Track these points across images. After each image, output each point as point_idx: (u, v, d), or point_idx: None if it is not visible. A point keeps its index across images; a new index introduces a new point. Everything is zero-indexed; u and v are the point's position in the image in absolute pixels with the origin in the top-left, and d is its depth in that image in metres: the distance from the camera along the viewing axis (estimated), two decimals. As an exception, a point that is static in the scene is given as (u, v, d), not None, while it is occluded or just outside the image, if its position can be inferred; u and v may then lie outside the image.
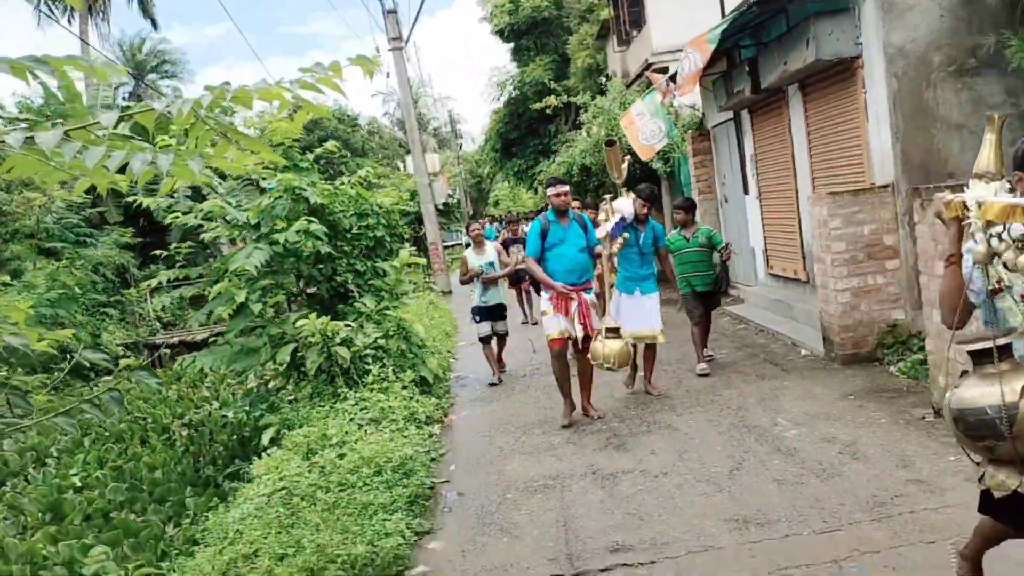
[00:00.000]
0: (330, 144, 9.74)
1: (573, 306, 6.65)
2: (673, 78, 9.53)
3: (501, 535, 4.72)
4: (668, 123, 10.11)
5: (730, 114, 11.87)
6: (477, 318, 9.45)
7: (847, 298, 7.51)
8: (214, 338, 12.96)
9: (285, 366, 8.01)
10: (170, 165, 2.68)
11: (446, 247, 24.97)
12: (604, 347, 6.54)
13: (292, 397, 8.13)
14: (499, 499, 5.30)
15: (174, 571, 4.88)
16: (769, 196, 10.98)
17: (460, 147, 50.40)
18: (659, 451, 5.80)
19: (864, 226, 7.45)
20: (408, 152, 21.49)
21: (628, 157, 7.72)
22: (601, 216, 7.38)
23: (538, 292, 7.29)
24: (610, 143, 7.34)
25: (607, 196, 8.47)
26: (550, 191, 6.76)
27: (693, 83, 8.23)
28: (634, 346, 7.20)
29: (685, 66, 8.01)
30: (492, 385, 8.99)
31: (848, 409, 6.13)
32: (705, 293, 8.10)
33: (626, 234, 7.05)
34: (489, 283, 9.47)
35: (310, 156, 9.10)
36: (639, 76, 18.10)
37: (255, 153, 3.14)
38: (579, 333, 6.66)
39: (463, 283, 9.73)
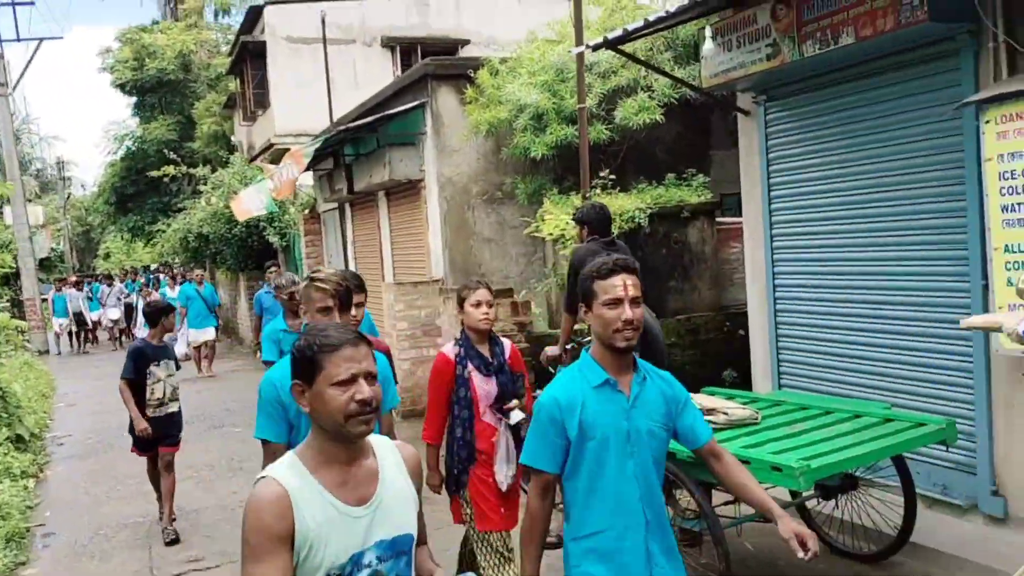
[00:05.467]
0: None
1: None
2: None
3: (92, 560, 5.69)
4: (269, 201, 11.50)
5: (336, 204, 13.71)
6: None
7: (408, 366, 9.50)
8: None
9: None
10: None
11: (43, 300, 23.45)
12: None
13: None
14: (92, 535, 6.22)
15: None
16: (366, 278, 12.90)
17: (68, 196, 46.63)
18: (239, 489, 7.10)
19: (421, 310, 9.57)
20: (7, 201, 20.17)
21: None
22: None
23: None
24: None
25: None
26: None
27: (290, 190, 9.87)
28: None
29: (284, 173, 9.61)
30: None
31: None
32: None
33: None
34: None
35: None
36: (262, 153, 19.41)
37: None
38: None
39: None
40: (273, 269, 10.38)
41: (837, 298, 5.64)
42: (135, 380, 5.93)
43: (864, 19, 4.68)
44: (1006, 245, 4.26)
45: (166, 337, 6.35)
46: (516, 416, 3.95)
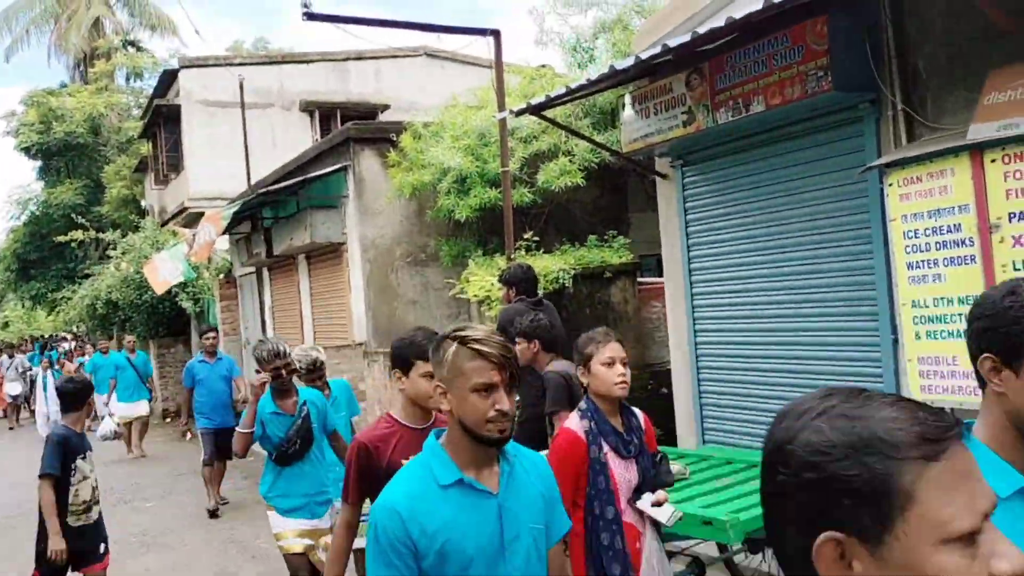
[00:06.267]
0: None
1: None
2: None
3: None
4: (187, 267, 11.30)
5: (253, 268, 13.46)
6: None
7: (330, 433, 9.28)
8: None
9: None
10: None
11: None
12: None
13: None
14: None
15: None
16: (286, 343, 12.64)
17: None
18: (153, 566, 6.75)
19: (345, 374, 9.36)
20: None
21: None
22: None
23: None
24: None
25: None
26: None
27: (207, 252, 9.69)
28: None
29: (202, 236, 9.44)
30: None
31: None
32: None
33: None
34: None
35: None
36: (175, 217, 18.98)
37: None
38: None
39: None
40: (212, 336, 9.37)
41: (757, 354, 5.81)
42: (59, 478, 4.67)
43: (773, 89, 4.95)
44: (913, 301, 4.49)
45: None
46: (667, 513, 3.15)
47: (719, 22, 4.29)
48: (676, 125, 5.70)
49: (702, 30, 4.45)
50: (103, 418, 12.35)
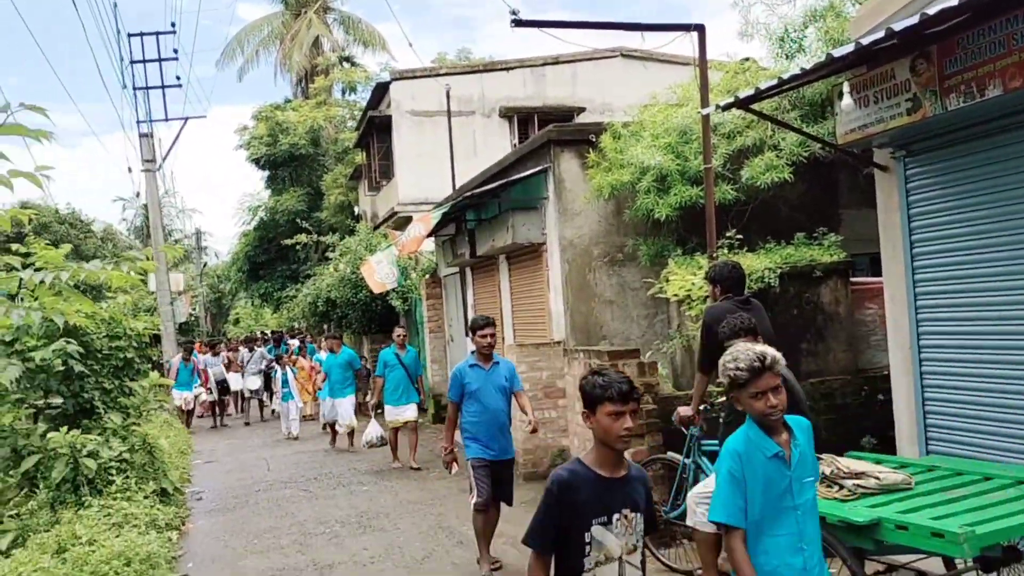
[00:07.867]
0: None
1: None
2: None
3: (235, 610, 5.89)
4: (400, 272, 12.01)
5: (457, 268, 14.07)
6: None
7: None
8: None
9: (20, 477, 8.44)
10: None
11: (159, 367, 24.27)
12: None
13: (19, 509, 8.46)
14: (233, 586, 6.45)
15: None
16: (484, 340, 13.12)
17: (205, 264, 49.59)
18: (370, 546, 7.24)
19: (543, 372, 9.62)
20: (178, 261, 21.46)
21: None
22: None
23: None
24: None
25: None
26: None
27: (415, 247, 10.28)
28: None
29: (411, 232, 10.01)
30: None
31: (518, 512, 7.95)
32: None
33: None
34: None
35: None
36: (385, 221, 20.21)
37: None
38: None
39: None
40: (489, 333, 6.70)
41: (989, 359, 5.34)
42: (553, 549, 2.89)
43: (1012, 70, 4.53)
44: None
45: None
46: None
47: (951, 2, 4.00)
48: (899, 113, 5.36)
49: (931, 11, 4.16)
50: (350, 421, 12.85)
